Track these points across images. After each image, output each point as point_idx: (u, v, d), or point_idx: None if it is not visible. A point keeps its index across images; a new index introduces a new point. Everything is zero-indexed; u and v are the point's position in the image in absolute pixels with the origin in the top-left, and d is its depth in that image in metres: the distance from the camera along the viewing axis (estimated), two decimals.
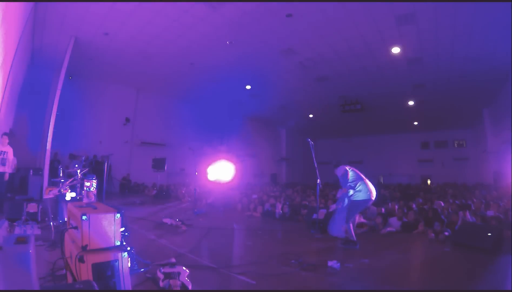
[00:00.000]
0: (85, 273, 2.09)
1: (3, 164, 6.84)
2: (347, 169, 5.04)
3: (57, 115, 9.45)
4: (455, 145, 23.35)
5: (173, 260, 3.25)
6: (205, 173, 10.84)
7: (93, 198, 3.05)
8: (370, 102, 15.77)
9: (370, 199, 4.83)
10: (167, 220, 6.31)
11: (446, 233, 5.26)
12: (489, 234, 4.42)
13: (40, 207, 5.50)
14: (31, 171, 8.73)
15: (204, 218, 7.47)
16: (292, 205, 8.06)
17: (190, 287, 2.76)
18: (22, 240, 1.87)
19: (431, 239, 5.31)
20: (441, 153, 23.43)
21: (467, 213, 5.96)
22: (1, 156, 6.77)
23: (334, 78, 13.29)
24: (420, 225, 5.89)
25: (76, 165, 6.42)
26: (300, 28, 9.01)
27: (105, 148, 13.13)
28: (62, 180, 5.35)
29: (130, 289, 2.34)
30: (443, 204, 7.27)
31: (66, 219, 4.15)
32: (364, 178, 5.03)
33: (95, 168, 10.84)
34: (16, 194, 8.61)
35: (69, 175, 6.14)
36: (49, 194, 5.01)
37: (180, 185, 14.35)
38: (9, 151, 7.01)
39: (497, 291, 3.10)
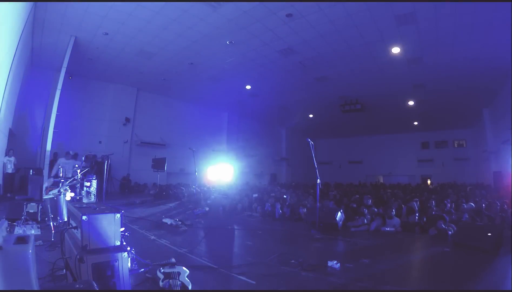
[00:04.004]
0: (85, 273, 2.09)
1: (13, 169, 9.08)
2: None
3: (57, 115, 9.46)
4: (455, 145, 23.35)
5: (173, 260, 3.25)
6: (205, 173, 10.85)
7: (93, 198, 3.05)
8: (370, 102, 15.78)
9: None
10: (167, 220, 6.31)
11: (450, 233, 5.24)
12: (489, 234, 4.41)
13: (40, 207, 5.50)
14: (31, 171, 8.72)
15: (204, 218, 7.46)
16: (291, 205, 8.06)
17: (190, 287, 2.76)
18: (22, 240, 1.86)
19: (431, 239, 5.31)
20: (441, 153, 23.43)
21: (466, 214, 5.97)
22: (10, 165, 8.96)
23: (334, 78, 13.29)
24: (421, 225, 5.90)
25: (76, 165, 6.42)
26: (300, 28, 9.01)
27: (105, 148, 13.14)
28: (62, 180, 5.35)
29: (130, 289, 2.35)
30: (474, 206, 7.04)
31: (66, 219, 4.15)
32: None
33: (96, 168, 10.84)
34: (16, 194, 8.61)
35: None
36: (49, 194, 5.01)
37: (180, 185, 14.35)
38: (13, 160, 9.17)
39: (497, 291, 3.10)
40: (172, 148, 16.19)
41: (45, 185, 5.18)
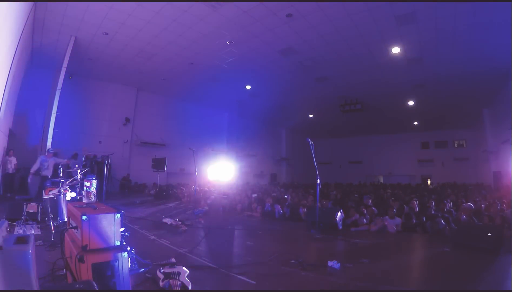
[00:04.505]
0: (85, 273, 2.09)
1: (13, 169, 8.89)
2: None
3: (57, 115, 9.45)
4: (455, 145, 23.36)
5: (173, 260, 3.25)
6: (205, 173, 10.84)
7: (93, 198, 3.04)
8: (370, 102, 15.77)
9: None
10: (167, 220, 6.31)
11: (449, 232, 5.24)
12: (489, 234, 4.41)
13: (40, 207, 5.50)
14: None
15: (204, 218, 7.46)
16: (291, 205, 8.05)
17: (190, 287, 2.76)
18: (22, 240, 1.86)
19: (431, 239, 5.31)
20: (441, 153, 23.44)
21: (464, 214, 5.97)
22: (10, 165, 8.73)
23: (334, 78, 13.29)
24: (421, 225, 5.90)
25: (76, 165, 6.42)
26: (300, 28, 9.00)
27: (105, 148, 13.14)
28: (62, 180, 5.35)
29: (130, 289, 2.35)
30: (473, 206, 7.00)
31: (66, 219, 4.15)
32: None
33: (96, 168, 10.84)
34: (16, 194, 8.61)
35: (69, 175, 6.13)
36: (49, 194, 5.00)
37: (180, 185, 14.36)
38: (13, 160, 8.97)
39: (497, 291, 3.10)
40: (172, 148, 16.19)
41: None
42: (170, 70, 12.76)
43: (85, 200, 3.03)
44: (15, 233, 4.35)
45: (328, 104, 16.99)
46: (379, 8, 7.83)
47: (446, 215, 5.98)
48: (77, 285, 1.69)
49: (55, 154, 10.31)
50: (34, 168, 7.75)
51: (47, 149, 8.30)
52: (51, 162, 7.92)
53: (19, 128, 10.72)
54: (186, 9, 8.08)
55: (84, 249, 2.18)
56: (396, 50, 10.22)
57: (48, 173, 7.76)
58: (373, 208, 7.05)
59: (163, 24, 8.90)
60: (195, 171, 9.74)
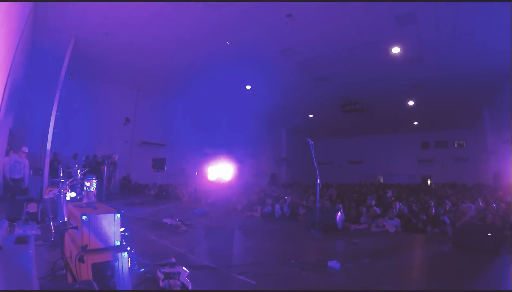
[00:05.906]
0: (85, 273, 2.10)
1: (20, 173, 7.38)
2: None
3: (57, 115, 9.45)
4: (455, 145, 23.36)
5: (173, 260, 3.25)
6: (205, 173, 10.79)
7: (93, 198, 3.05)
8: (370, 102, 15.78)
9: None
10: (167, 220, 6.31)
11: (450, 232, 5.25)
12: (489, 234, 4.42)
13: (40, 207, 5.50)
14: (31, 171, 8.71)
15: (204, 218, 7.47)
16: (291, 205, 8.05)
17: (190, 287, 2.76)
18: (22, 240, 1.87)
19: (431, 239, 5.31)
20: (441, 153, 23.44)
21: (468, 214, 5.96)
22: (19, 166, 7.31)
23: (334, 78, 13.29)
24: (421, 224, 5.90)
25: (76, 165, 6.41)
26: (300, 28, 9.00)
27: (105, 148, 13.13)
28: (62, 180, 5.36)
29: (130, 289, 2.35)
30: (473, 208, 6.96)
31: (66, 219, 4.15)
32: None
33: (95, 168, 10.85)
34: (16, 194, 8.59)
35: (69, 175, 6.13)
36: (49, 194, 5.01)
37: (180, 185, 14.35)
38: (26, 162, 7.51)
39: (497, 291, 3.10)
40: (172, 148, 16.18)
41: None
42: (170, 70, 12.75)
43: (85, 200, 3.03)
44: (15, 233, 4.35)
45: (328, 104, 16.99)
46: (379, 8, 7.83)
47: (446, 215, 5.98)
48: (77, 285, 1.69)
49: (74, 156, 9.38)
50: (5, 170, 7.07)
51: (23, 146, 7.30)
52: (24, 163, 7.19)
53: (19, 128, 10.71)
54: (186, 9, 8.07)
55: (84, 249, 2.18)
56: (396, 50, 10.22)
57: (20, 175, 7.15)
58: (375, 208, 7.04)
59: (163, 24, 8.90)
60: (195, 171, 9.74)
